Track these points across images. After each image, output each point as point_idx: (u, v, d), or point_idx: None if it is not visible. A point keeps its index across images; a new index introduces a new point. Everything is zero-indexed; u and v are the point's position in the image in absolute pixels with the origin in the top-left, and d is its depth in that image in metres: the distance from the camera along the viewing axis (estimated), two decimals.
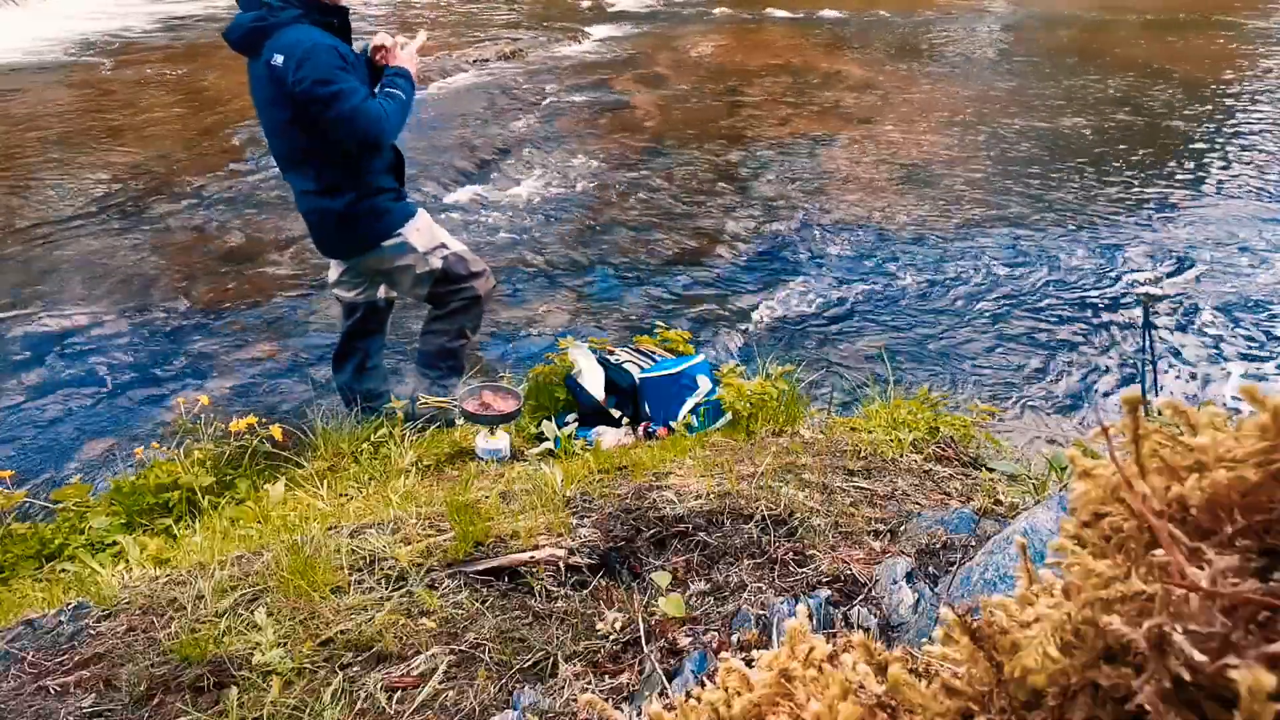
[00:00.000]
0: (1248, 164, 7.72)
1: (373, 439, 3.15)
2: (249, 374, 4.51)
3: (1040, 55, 11.97)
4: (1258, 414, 0.40)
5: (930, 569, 1.68)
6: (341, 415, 3.47)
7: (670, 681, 1.37)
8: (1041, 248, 6.11)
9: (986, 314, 5.25)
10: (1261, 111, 9.20)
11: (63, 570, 2.50)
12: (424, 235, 3.36)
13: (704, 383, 3.36)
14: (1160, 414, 0.47)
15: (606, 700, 1.39)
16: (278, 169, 3.43)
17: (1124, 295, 5.44)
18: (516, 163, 7.64)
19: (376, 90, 3.14)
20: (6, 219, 6.26)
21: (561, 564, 1.79)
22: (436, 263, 3.38)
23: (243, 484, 3.00)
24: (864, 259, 5.95)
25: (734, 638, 1.46)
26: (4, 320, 4.94)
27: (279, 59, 2.90)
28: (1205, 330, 5.07)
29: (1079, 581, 0.43)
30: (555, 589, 1.74)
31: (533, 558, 1.80)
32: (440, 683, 1.47)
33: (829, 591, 1.60)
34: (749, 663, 0.59)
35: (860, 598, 1.59)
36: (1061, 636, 0.43)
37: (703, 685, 0.60)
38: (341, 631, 1.58)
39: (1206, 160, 7.82)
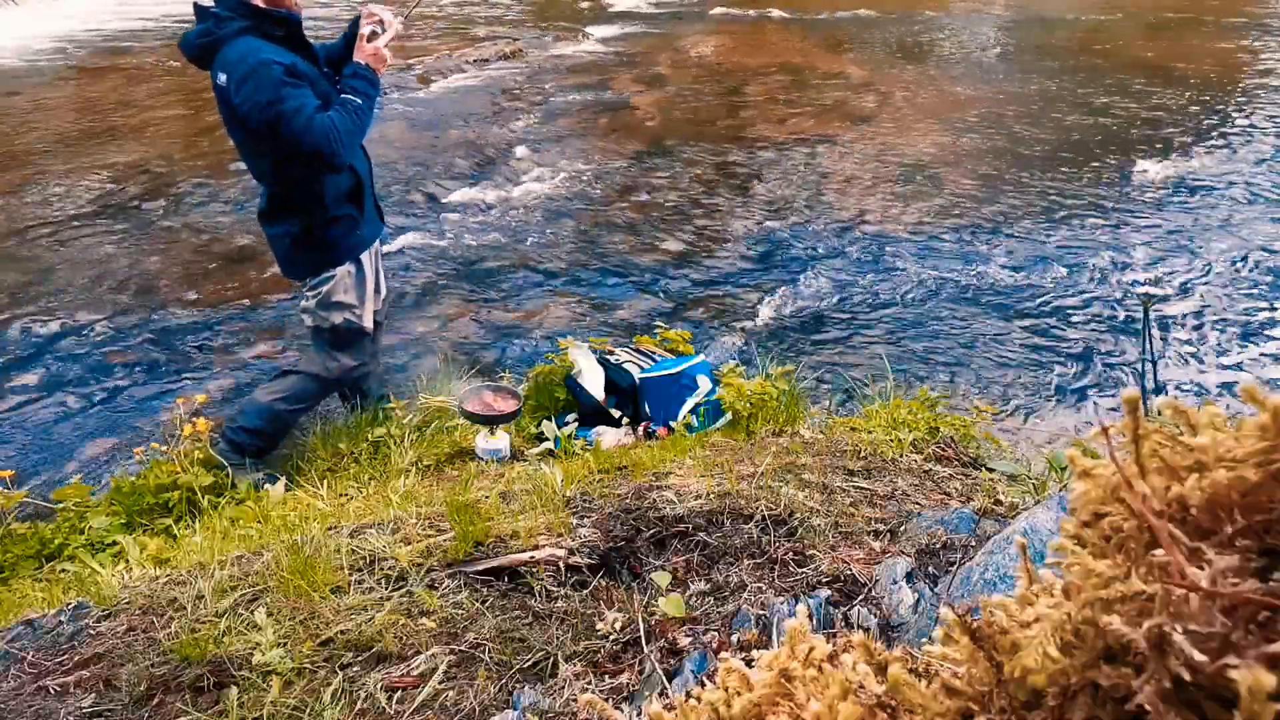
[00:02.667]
0: (1249, 163, 7.72)
1: (372, 438, 3.15)
2: (249, 374, 4.50)
3: (1040, 55, 11.97)
4: (1258, 414, 0.40)
5: (930, 569, 1.68)
6: (340, 413, 3.47)
7: (670, 681, 1.36)
8: (1041, 247, 6.11)
9: (986, 314, 5.25)
10: (1263, 111, 9.20)
11: (63, 570, 2.50)
12: (346, 285, 3.16)
13: (704, 383, 3.36)
14: (1160, 414, 0.47)
15: (606, 700, 1.39)
16: None
17: (1124, 295, 5.44)
18: (516, 163, 7.64)
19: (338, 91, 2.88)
20: (6, 219, 6.26)
21: (561, 564, 1.79)
22: (337, 320, 3.17)
23: (243, 483, 3.01)
24: (864, 259, 5.95)
25: (734, 638, 1.46)
26: (4, 320, 4.94)
27: (223, 77, 2.74)
28: (1205, 330, 5.07)
29: (1079, 581, 0.43)
30: (555, 589, 1.74)
31: (533, 558, 1.80)
32: (440, 683, 1.47)
33: (829, 591, 1.60)
34: (749, 663, 0.59)
35: (860, 598, 1.59)
36: (1061, 636, 0.43)
37: (703, 685, 0.60)
38: (341, 631, 1.58)
39: (1208, 160, 7.81)
